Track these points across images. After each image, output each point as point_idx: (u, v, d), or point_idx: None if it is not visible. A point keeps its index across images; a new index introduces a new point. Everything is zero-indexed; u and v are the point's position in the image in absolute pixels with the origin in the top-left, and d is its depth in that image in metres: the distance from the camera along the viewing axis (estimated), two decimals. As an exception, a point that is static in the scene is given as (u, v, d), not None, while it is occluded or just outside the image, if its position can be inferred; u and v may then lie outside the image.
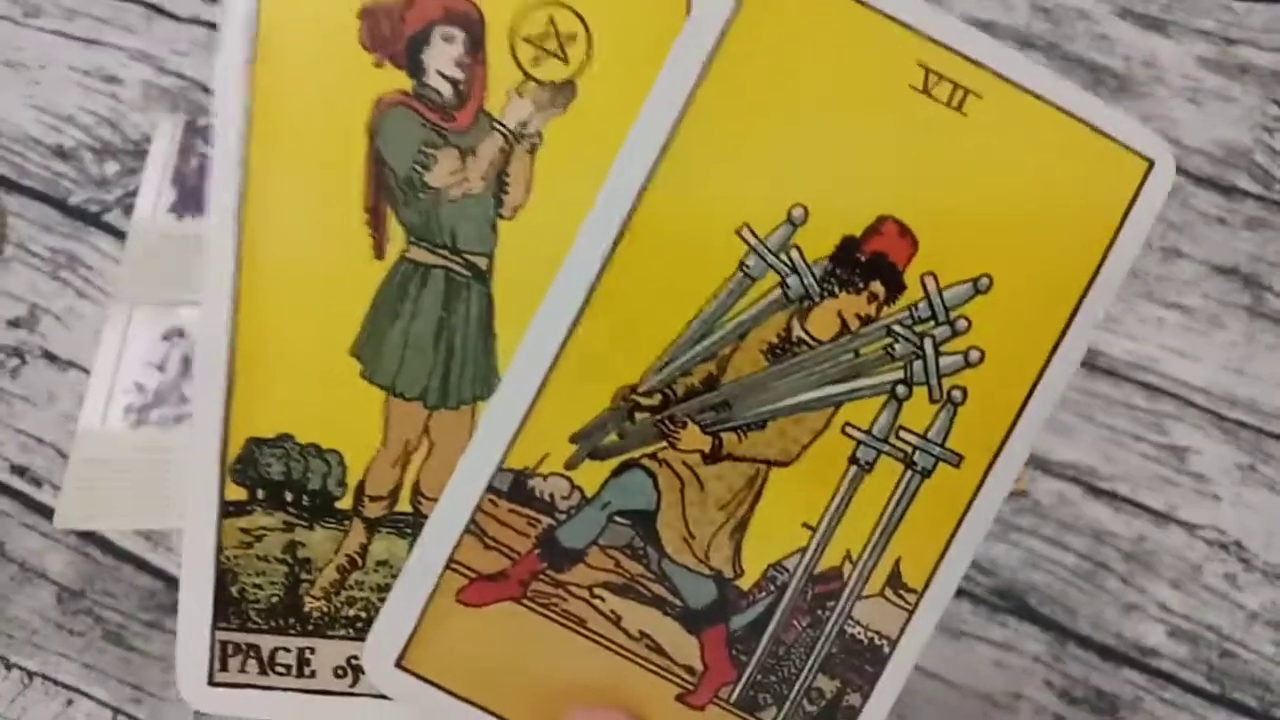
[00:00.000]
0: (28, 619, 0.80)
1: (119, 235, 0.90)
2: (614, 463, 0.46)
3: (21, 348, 0.87)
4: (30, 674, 0.79)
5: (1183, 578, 0.81)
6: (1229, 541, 0.82)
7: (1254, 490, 0.83)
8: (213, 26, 0.97)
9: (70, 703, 0.78)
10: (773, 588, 0.47)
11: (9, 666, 0.79)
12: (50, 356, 0.87)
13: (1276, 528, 0.82)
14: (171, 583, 0.80)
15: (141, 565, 0.81)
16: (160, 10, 0.98)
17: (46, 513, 0.82)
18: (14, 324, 0.88)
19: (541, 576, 0.46)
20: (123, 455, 0.82)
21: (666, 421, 0.46)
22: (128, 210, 0.91)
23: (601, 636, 0.47)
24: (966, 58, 0.45)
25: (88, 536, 0.82)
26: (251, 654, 0.47)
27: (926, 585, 0.47)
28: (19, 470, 0.84)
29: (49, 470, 0.84)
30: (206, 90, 0.95)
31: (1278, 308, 0.88)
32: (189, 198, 0.90)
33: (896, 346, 0.46)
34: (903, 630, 0.47)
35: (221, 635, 0.47)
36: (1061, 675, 0.79)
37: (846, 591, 0.47)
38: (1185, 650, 0.79)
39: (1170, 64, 0.96)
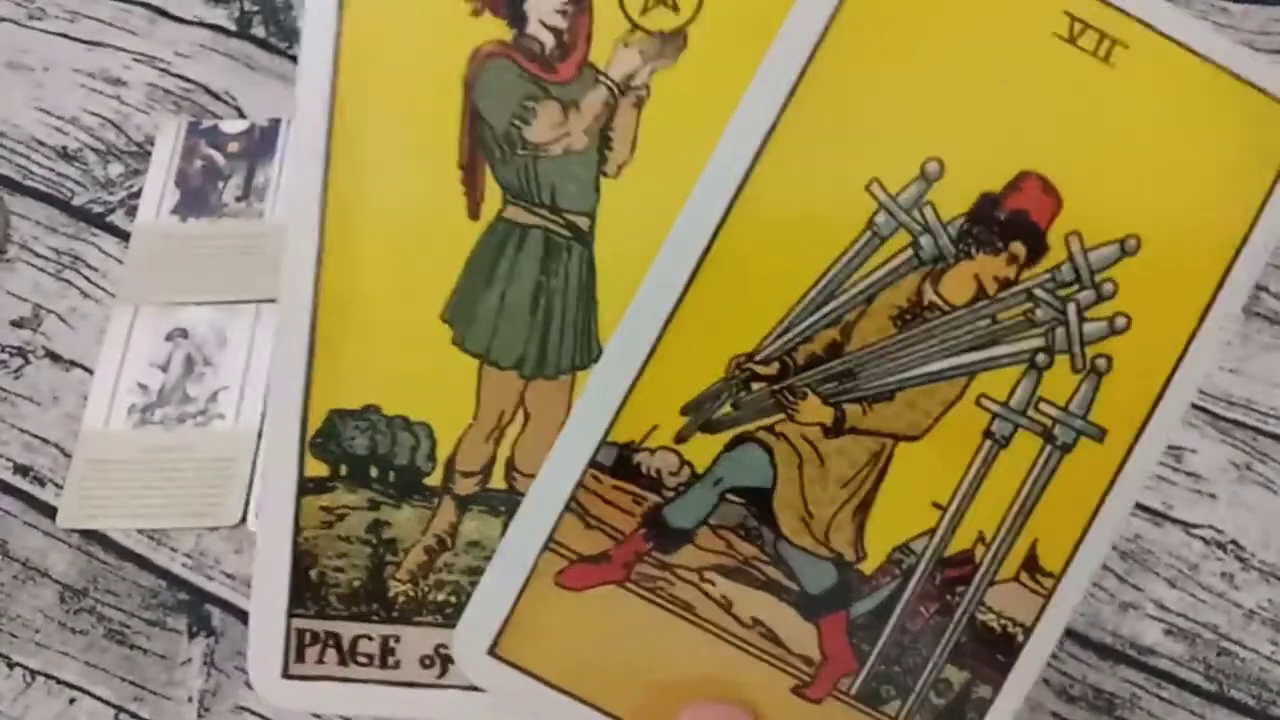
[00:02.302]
0: (30, 618, 0.77)
1: (123, 236, 0.89)
2: (727, 436, 0.42)
3: (25, 348, 0.85)
4: (33, 673, 0.76)
5: (1180, 576, 0.79)
6: (1226, 540, 0.80)
7: (1250, 489, 0.81)
8: (215, 29, 0.97)
9: (73, 701, 0.75)
10: (898, 571, 0.43)
11: (11, 665, 0.76)
12: (54, 356, 0.85)
13: (1273, 526, 0.80)
14: (174, 582, 0.78)
15: (144, 564, 0.79)
16: (163, 12, 0.97)
17: (49, 512, 0.80)
18: (18, 324, 0.86)
19: (647, 558, 0.43)
20: (126, 455, 0.81)
21: (785, 392, 0.42)
22: (131, 211, 0.90)
23: (710, 623, 0.43)
24: (1114, 6, 0.41)
25: (90, 535, 0.80)
26: (330, 643, 0.43)
27: (1064, 569, 0.42)
28: (22, 470, 0.81)
29: (52, 470, 0.81)
30: (209, 92, 0.94)
31: (1274, 307, 0.86)
32: (192, 199, 0.89)
33: (1037, 312, 0.42)
34: (1038, 617, 0.43)
35: (298, 623, 0.43)
36: (1059, 673, 0.77)
37: (978, 576, 0.43)
38: (1183, 649, 0.77)
39: (1166, 64, 0.95)
